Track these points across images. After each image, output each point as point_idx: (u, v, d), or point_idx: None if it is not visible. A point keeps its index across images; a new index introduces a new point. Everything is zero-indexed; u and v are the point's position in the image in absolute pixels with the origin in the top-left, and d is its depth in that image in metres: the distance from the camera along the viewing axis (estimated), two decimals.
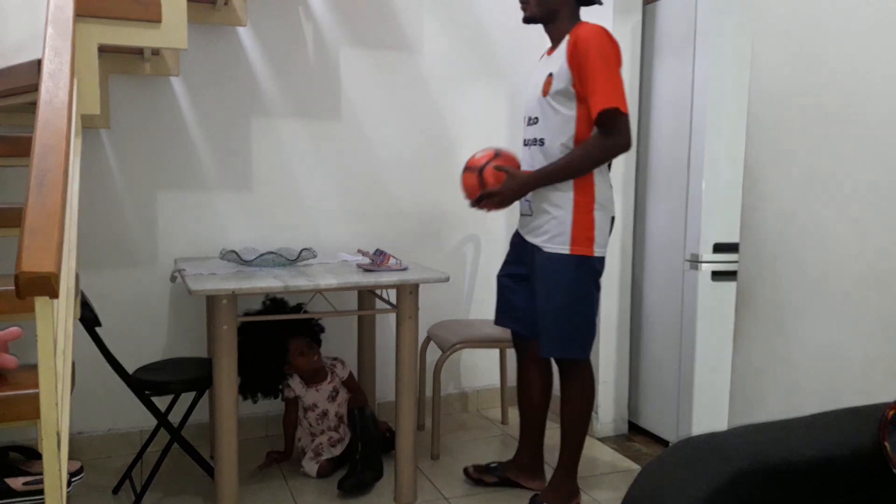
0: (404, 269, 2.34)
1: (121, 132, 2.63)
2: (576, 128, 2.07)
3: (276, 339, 2.52)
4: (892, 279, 1.67)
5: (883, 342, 1.71)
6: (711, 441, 1.15)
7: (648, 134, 2.83)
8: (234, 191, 2.81)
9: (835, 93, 1.82)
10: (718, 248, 2.55)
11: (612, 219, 2.20)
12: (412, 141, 3.06)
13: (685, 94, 2.61)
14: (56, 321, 1.20)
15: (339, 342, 2.96)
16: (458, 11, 3.09)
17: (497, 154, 2.21)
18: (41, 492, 1.67)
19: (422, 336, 2.81)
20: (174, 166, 2.71)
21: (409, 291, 2.26)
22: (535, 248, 2.18)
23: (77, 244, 1.79)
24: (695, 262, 2.56)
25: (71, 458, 1.78)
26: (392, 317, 2.66)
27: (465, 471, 2.50)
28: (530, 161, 2.20)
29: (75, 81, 1.69)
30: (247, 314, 2.52)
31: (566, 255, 2.12)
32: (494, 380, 3.30)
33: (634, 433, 2.98)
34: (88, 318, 2.11)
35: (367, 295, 2.84)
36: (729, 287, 2.48)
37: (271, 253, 2.40)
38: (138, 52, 2.45)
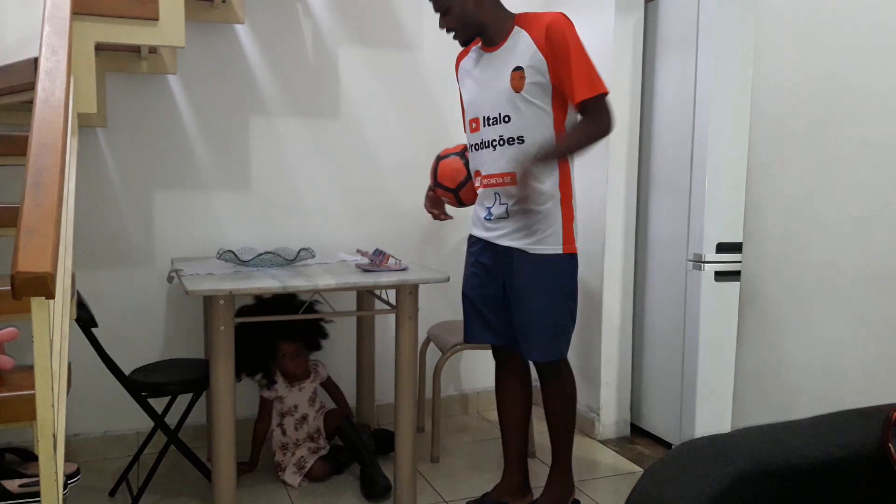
0: (404, 270, 2.33)
1: (118, 131, 2.62)
2: (554, 118, 2.03)
3: (269, 339, 2.51)
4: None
5: (887, 342, 1.69)
6: (714, 443, 1.15)
7: (650, 132, 2.82)
8: (232, 190, 2.79)
9: (839, 91, 1.81)
10: (721, 247, 2.53)
11: None
12: (412, 139, 3.04)
13: (688, 93, 2.59)
14: (52, 322, 1.19)
15: (337, 343, 2.94)
16: None
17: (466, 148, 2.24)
18: (37, 494, 1.66)
19: (421, 337, 2.80)
20: (171, 165, 2.70)
21: (408, 292, 2.24)
22: (517, 252, 2.07)
23: (73, 244, 1.78)
24: (698, 262, 2.55)
25: (67, 459, 1.77)
26: (391, 317, 2.64)
27: None
28: (500, 162, 2.07)
29: (72, 80, 1.68)
30: (244, 307, 2.50)
31: (559, 255, 2.04)
32: None
33: (637, 435, 2.96)
34: (85, 319, 2.10)
35: (366, 295, 2.83)
36: (732, 287, 2.47)
37: (269, 253, 2.38)
38: (135, 50, 2.44)
